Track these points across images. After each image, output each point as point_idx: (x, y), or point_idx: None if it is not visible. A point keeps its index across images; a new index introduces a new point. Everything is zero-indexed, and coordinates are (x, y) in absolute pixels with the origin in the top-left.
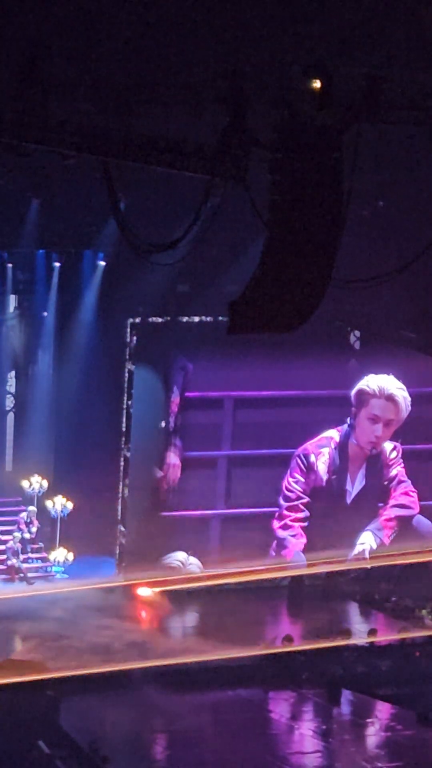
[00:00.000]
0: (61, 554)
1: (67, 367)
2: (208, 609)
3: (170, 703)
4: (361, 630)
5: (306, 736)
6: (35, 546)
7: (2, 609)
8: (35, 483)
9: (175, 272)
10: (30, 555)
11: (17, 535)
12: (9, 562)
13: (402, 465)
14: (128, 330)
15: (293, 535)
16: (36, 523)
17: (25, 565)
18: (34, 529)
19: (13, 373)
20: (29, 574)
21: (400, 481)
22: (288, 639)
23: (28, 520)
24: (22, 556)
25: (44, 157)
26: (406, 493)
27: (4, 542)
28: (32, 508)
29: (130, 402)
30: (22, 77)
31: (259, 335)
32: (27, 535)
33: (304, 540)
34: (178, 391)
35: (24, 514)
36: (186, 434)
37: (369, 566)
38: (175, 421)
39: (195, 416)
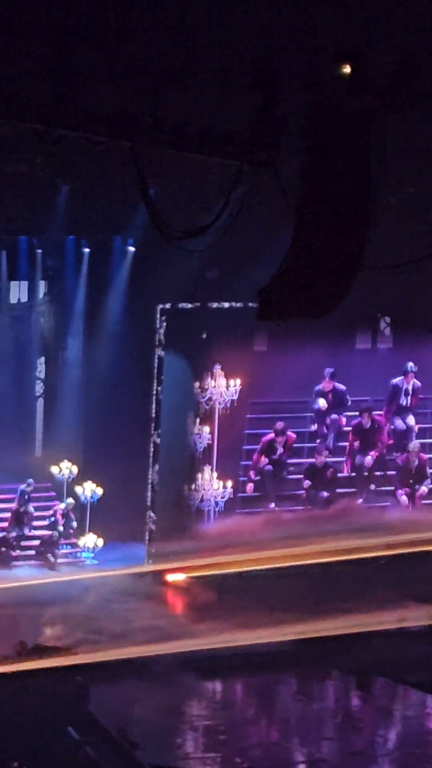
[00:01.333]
0: (90, 540)
1: (96, 354)
2: (238, 594)
3: (199, 688)
4: (391, 615)
5: (336, 722)
6: (69, 542)
7: (32, 595)
8: (65, 469)
9: (204, 258)
10: (62, 541)
11: (55, 533)
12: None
13: None
14: (158, 316)
15: None
16: (73, 517)
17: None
18: (74, 524)
19: (42, 360)
20: (58, 560)
21: None
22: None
23: (65, 512)
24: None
25: (73, 143)
26: None
27: (36, 527)
28: (71, 501)
29: (159, 388)
30: (51, 63)
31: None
32: (60, 529)
33: None
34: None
35: (62, 505)
36: None
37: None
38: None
39: None
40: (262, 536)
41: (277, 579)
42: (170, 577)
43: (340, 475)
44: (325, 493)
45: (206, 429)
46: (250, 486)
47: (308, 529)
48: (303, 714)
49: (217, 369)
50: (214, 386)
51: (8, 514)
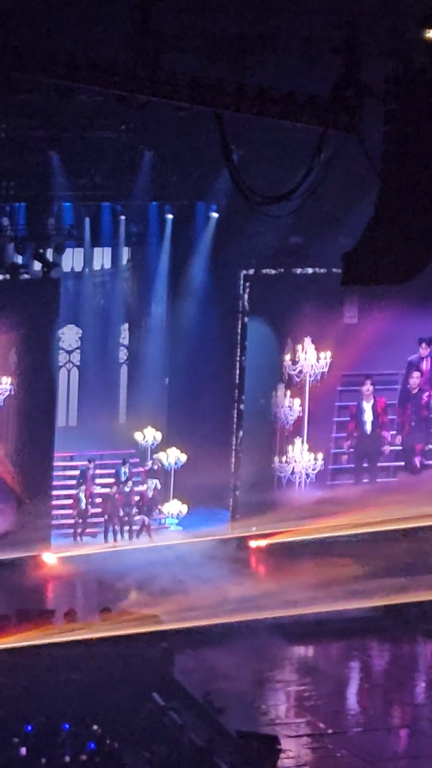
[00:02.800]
0: (174, 507)
1: (180, 320)
2: (321, 560)
3: (284, 654)
4: None
5: (419, 687)
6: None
7: (116, 561)
8: (149, 435)
9: (288, 224)
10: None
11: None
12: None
13: None
14: (241, 282)
15: None
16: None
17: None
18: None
19: (126, 326)
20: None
21: None
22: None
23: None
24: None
25: (157, 109)
26: None
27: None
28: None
29: (243, 354)
30: (135, 29)
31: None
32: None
33: None
34: None
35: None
36: None
37: None
38: None
39: None
40: (351, 505)
41: (361, 545)
42: (254, 543)
43: None
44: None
45: (297, 401)
46: (344, 457)
47: (396, 498)
48: (387, 680)
49: (308, 341)
50: (305, 359)
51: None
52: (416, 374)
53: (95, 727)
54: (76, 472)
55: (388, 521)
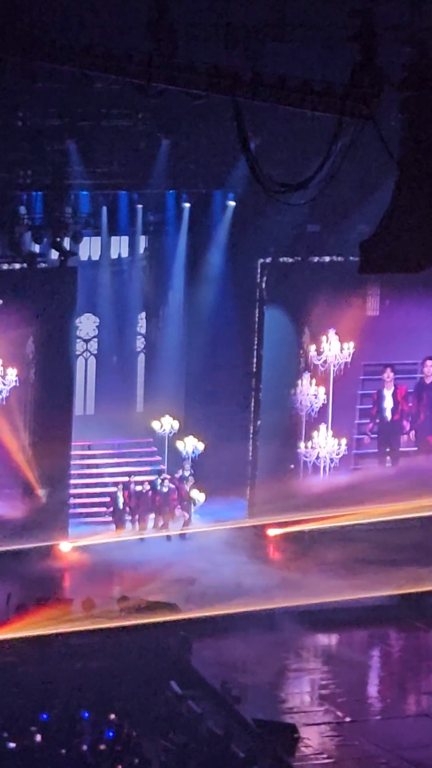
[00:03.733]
0: (192, 494)
1: (197, 309)
2: (339, 549)
3: (301, 642)
4: None
5: None
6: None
7: (134, 551)
8: (166, 424)
9: (305, 212)
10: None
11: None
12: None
13: None
14: (259, 270)
15: None
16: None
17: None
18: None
19: (143, 315)
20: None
21: None
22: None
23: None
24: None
25: (174, 97)
26: None
27: (139, 483)
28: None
29: (260, 343)
30: (151, 18)
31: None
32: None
33: None
34: None
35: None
36: None
37: None
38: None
39: None
40: (368, 494)
41: (379, 533)
42: (271, 532)
43: None
44: None
45: (321, 390)
46: (366, 440)
47: (417, 484)
48: (405, 668)
49: (332, 332)
50: (329, 350)
51: (109, 470)
52: (430, 363)
53: (113, 715)
54: (94, 461)
55: (407, 510)
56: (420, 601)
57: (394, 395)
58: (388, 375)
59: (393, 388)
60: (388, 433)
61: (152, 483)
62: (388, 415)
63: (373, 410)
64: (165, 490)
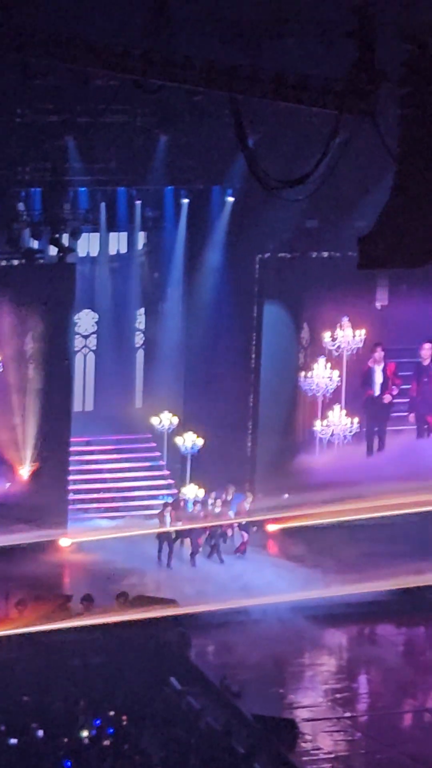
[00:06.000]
0: (191, 491)
1: (196, 304)
2: (337, 543)
3: (301, 638)
4: None
5: None
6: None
7: (134, 547)
8: (165, 420)
9: (303, 208)
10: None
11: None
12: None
13: None
14: (257, 266)
15: None
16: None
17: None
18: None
19: (142, 311)
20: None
21: None
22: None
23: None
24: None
25: (172, 93)
26: None
27: (136, 479)
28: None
29: (259, 338)
30: (150, 14)
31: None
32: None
33: None
34: None
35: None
36: None
37: None
38: None
39: None
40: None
41: (376, 528)
42: (271, 527)
43: None
44: None
45: (336, 373)
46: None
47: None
48: (404, 663)
49: (345, 320)
50: (342, 336)
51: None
52: (427, 345)
53: (112, 711)
54: (93, 457)
55: (403, 505)
56: (419, 596)
57: (384, 371)
58: (379, 354)
59: (383, 364)
60: (376, 410)
61: (204, 500)
62: (377, 391)
63: (362, 385)
64: (217, 510)
